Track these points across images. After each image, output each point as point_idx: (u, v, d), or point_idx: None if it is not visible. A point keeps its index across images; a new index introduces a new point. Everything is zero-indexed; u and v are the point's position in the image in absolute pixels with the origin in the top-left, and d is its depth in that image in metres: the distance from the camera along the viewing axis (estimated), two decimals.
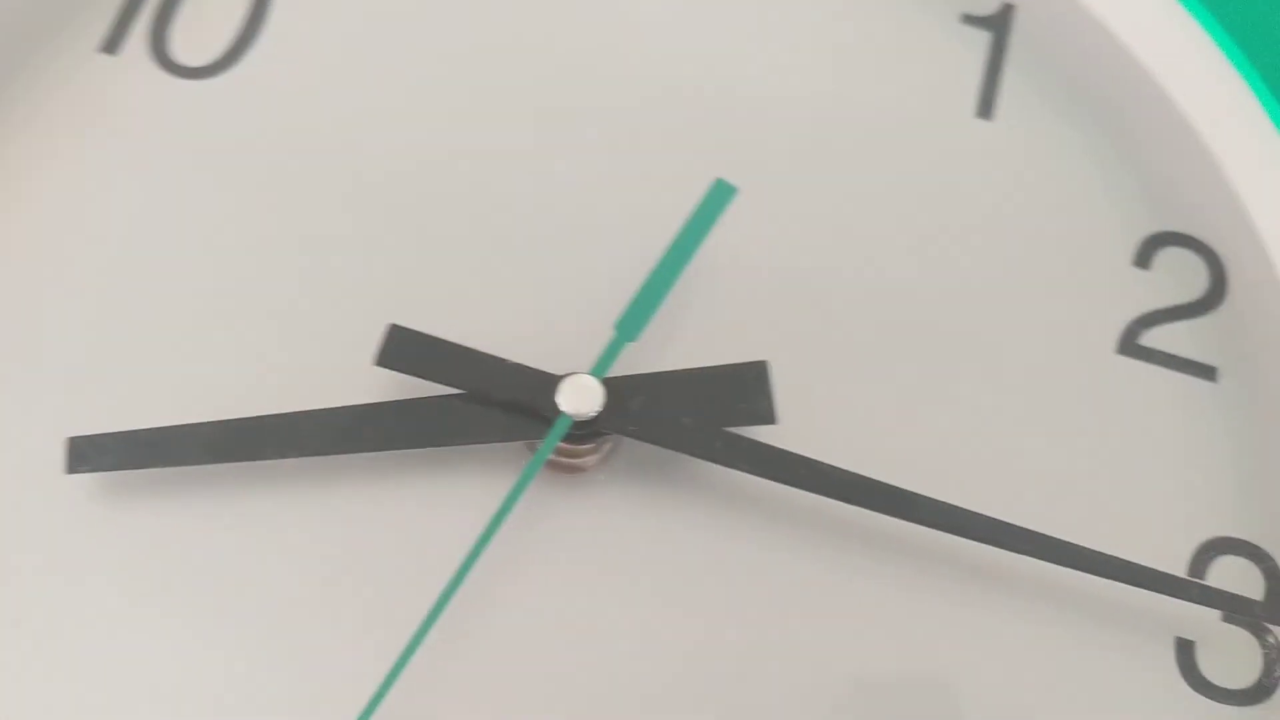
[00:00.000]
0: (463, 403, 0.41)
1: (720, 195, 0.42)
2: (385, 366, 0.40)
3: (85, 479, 0.41)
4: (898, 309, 0.45)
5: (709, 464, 0.41)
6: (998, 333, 0.45)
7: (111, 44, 0.48)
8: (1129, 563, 0.39)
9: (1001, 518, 0.40)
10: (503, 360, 0.41)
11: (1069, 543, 0.39)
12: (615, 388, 0.40)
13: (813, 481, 0.40)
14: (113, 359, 0.43)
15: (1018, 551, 0.40)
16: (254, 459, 0.41)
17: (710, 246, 0.43)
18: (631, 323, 0.41)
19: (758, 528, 0.42)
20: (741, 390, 0.41)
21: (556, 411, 0.40)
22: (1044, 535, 0.39)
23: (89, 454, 0.40)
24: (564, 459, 0.42)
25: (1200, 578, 0.41)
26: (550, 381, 0.40)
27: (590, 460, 0.42)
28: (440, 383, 0.41)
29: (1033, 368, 0.45)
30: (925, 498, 0.40)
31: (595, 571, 0.41)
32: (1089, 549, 0.39)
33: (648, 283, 0.41)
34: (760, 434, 0.41)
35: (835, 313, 0.45)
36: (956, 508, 0.40)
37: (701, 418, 0.41)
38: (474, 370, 0.41)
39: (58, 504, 0.41)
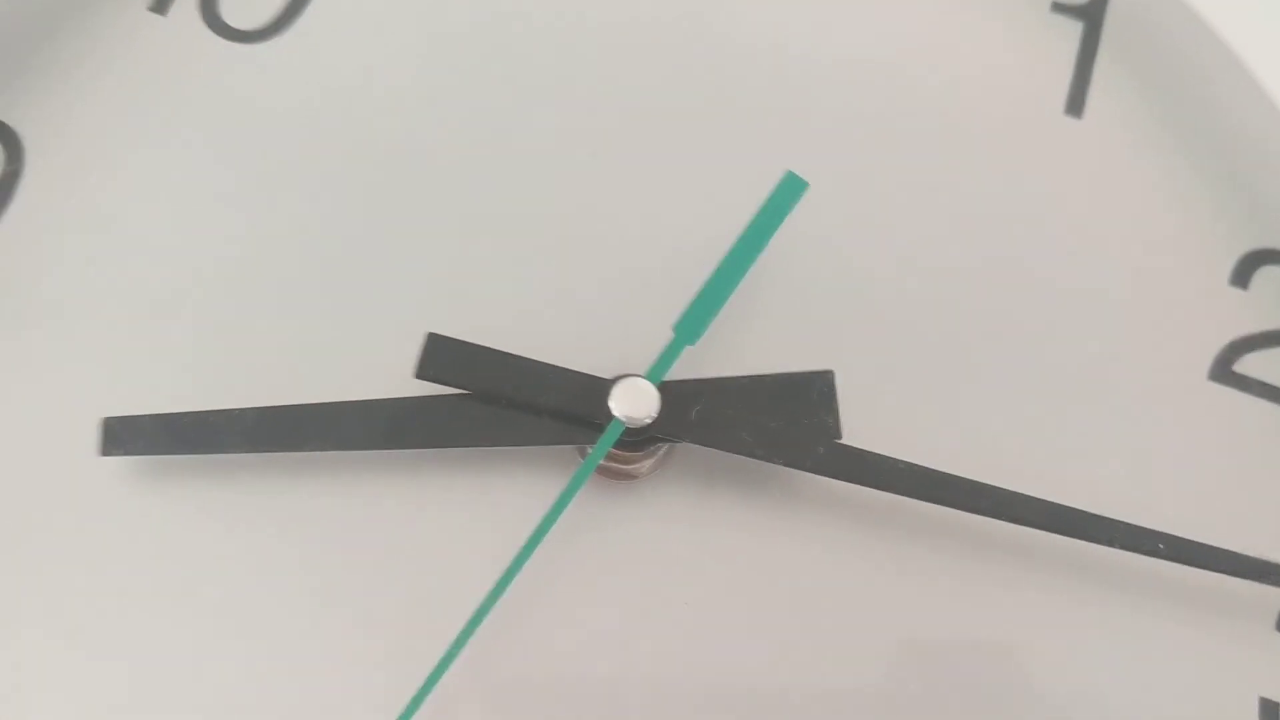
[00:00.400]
0: (511, 405, 0.39)
1: (790, 190, 0.39)
2: (425, 379, 0.38)
3: (116, 462, 0.39)
4: (971, 316, 0.43)
5: (765, 472, 0.39)
6: (1079, 349, 0.42)
7: (161, 4, 0.46)
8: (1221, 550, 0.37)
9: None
10: (550, 366, 0.39)
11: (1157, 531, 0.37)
12: (672, 392, 0.38)
13: (887, 479, 0.38)
14: (150, 336, 0.41)
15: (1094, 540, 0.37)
16: (295, 450, 0.39)
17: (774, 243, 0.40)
18: (692, 324, 0.38)
19: (818, 536, 0.40)
20: (806, 401, 0.39)
21: (609, 416, 0.38)
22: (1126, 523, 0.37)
23: (123, 436, 0.38)
24: (616, 465, 0.40)
25: None
26: (602, 386, 0.38)
27: (643, 467, 0.40)
28: (484, 394, 0.39)
29: (1116, 390, 0.42)
30: (1001, 490, 0.37)
31: (646, 581, 0.39)
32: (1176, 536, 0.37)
33: (710, 282, 0.39)
34: None
35: (905, 316, 0.43)
36: (1034, 499, 0.37)
37: (763, 430, 0.39)
38: (519, 378, 0.39)
39: (88, 486, 0.39)
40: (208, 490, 0.39)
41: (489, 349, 0.38)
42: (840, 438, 0.38)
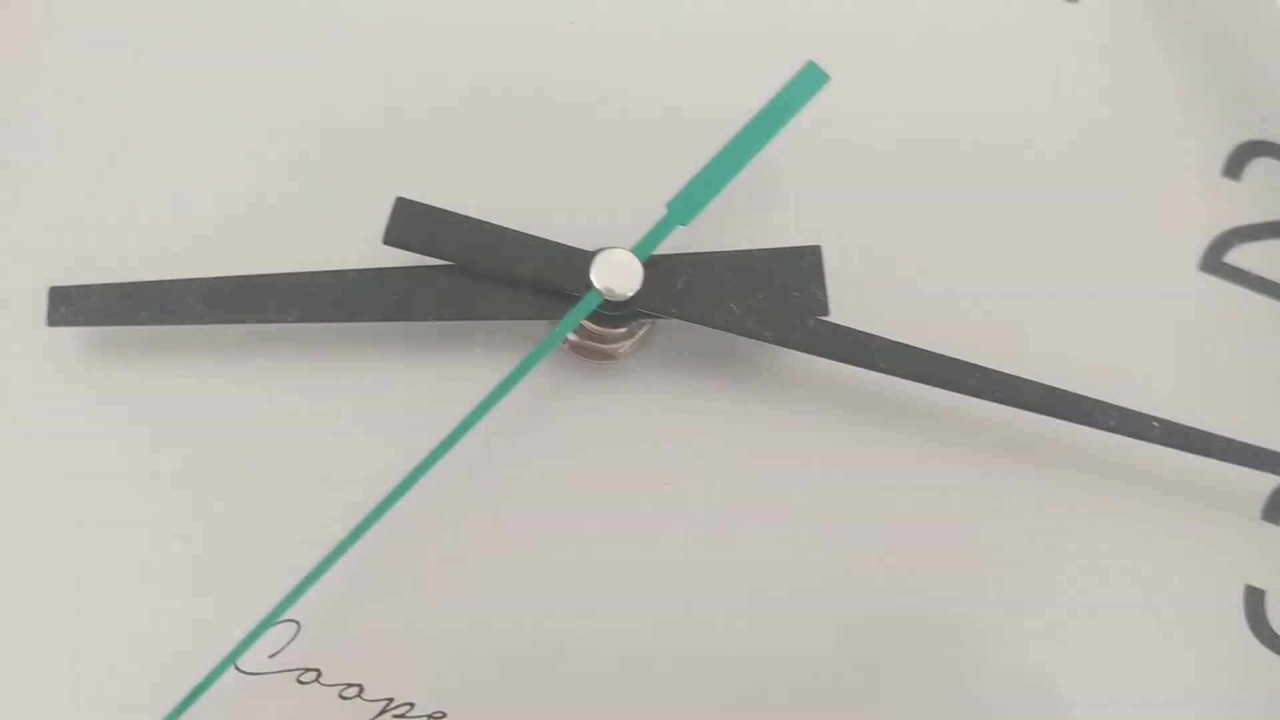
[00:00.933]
0: (486, 275, 0.37)
1: (809, 81, 0.37)
2: (394, 245, 0.36)
3: (70, 334, 0.37)
4: (964, 202, 0.41)
5: (750, 353, 0.38)
6: (1071, 235, 0.41)
7: None
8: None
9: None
10: (527, 235, 0.37)
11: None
12: (657, 267, 0.36)
13: (875, 358, 0.37)
14: (105, 202, 0.39)
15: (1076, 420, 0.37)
16: (254, 320, 0.36)
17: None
18: (687, 203, 0.36)
19: (804, 418, 0.39)
20: (794, 276, 0.38)
21: (587, 286, 0.36)
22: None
23: (73, 304, 0.36)
24: (594, 343, 0.38)
25: (1277, 522, 0.38)
26: (583, 257, 0.36)
27: (623, 346, 0.38)
28: (456, 262, 0.36)
29: (1107, 278, 0.41)
30: (993, 371, 0.36)
31: (626, 461, 0.38)
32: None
33: (712, 164, 0.37)
34: None
35: (898, 200, 0.41)
36: (1027, 380, 0.36)
37: (750, 303, 0.37)
38: (495, 247, 0.36)
39: (38, 360, 0.37)
40: (159, 366, 0.37)
41: (460, 215, 0.36)
42: (828, 314, 0.37)
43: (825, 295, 0.37)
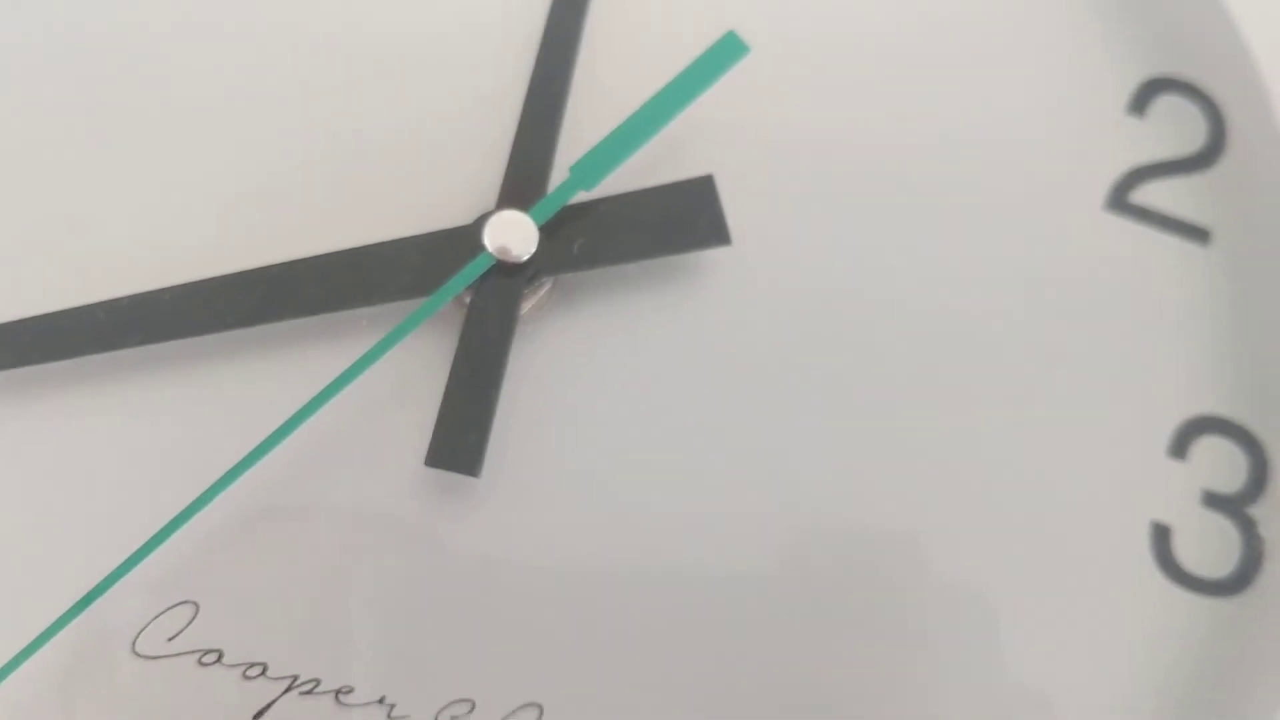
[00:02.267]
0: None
1: (728, 50, 0.36)
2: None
3: None
4: (858, 135, 0.40)
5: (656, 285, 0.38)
6: (972, 173, 0.41)
7: None
8: None
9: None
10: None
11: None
12: (553, 227, 0.36)
13: None
14: None
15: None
16: (119, 346, 0.35)
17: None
18: (591, 168, 0.36)
19: (727, 337, 0.38)
20: (690, 209, 0.37)
21: (480, 249, 0.35)
22: None
23: None
24: None
25: (1181, 458, 0.38)
26: (469, 232, 0.36)
27: (523, 308, 0.38)
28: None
29: (1010, 218, 0.40)
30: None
31: (539, 424, 0.37)
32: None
33: (620, 129, 0.36)
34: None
35: (791, 135, 0.40)
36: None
37: (650, 234, 0.37)
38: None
39: None
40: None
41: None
42: (729, 242, 0.37)
43: (724, 223, 0.37)
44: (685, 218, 0.37)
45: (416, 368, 0.37)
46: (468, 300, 0.36)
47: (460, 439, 0.35)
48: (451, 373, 0.35)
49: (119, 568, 0.32)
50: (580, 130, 0.38)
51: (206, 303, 0.34)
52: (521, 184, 0.37)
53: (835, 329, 0.39)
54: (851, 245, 0.39)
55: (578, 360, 0.38)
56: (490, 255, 0.35)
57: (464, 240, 0.36)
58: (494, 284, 0.36)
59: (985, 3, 0.42)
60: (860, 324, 0.39)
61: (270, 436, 0.33)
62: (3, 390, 0.36)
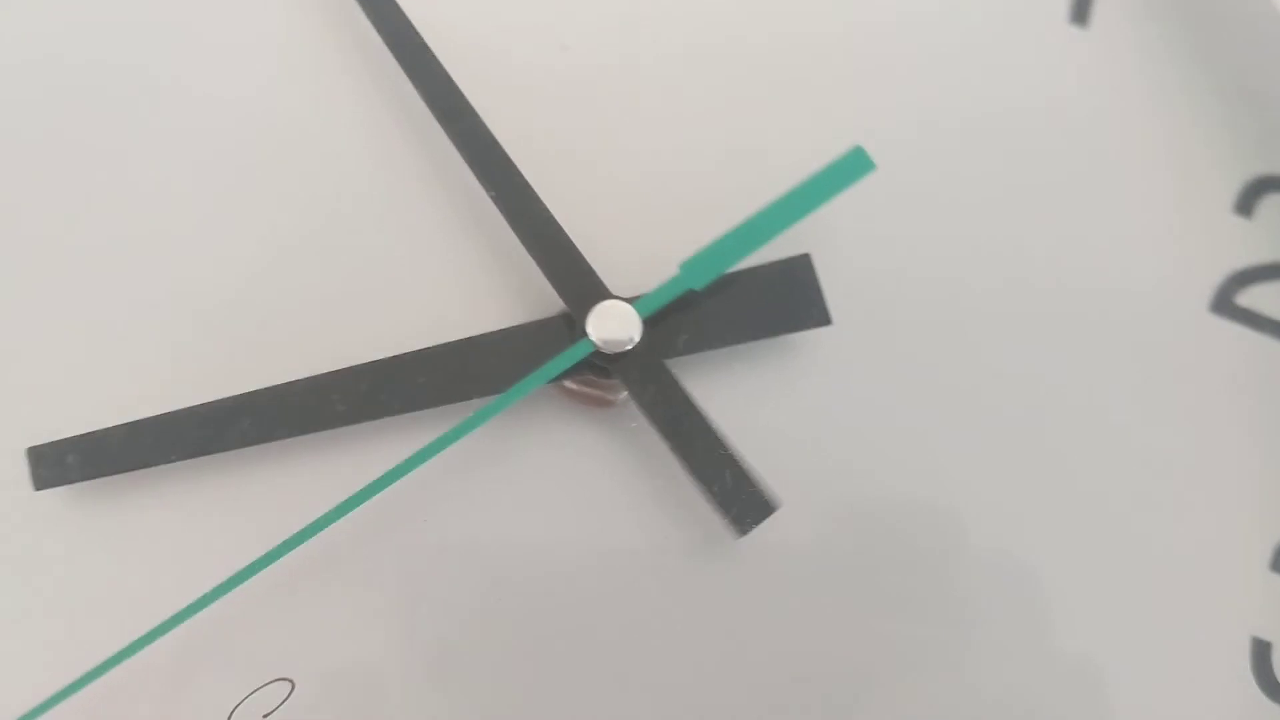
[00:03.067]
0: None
1: (853, 165, 0.36)
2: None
3: None
4: (969, 238, 0.40)
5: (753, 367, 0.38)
6: (1075, 275, 0.40)
7: None
8: None
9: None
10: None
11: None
12: (656, 322, 0.36)
13: None
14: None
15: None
16: (239, 446, 0.35)
17: None
18: (702, 267, 0.35)
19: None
20: (789, 289, 0.37)
21: (582, 334, 0.35)
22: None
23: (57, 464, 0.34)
24: (588, 389, 0.38)
25: None
26: (577, 314, 0.36)
27: (622, 394, 0.38)
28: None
29: (1114, 318, 0.40)
30: None
31: (639, 514, 0.37)
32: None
33: (736, 231, 0.35)
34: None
35: (907, 230, 0.40)
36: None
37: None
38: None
39: None
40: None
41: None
42: (830, 322, 0.37)
43: (824, 303, 0.37)
44: (786, 299, 0.37)
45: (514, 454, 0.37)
46: (568, 385, 0.37)
47: (743, 495, 0.35)
48: (680, 454, 0.35)
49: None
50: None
51: (321, 398, 0.35)
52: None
53: (933, 422, 0.38)
54: (950, 338, 0.39)
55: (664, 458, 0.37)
56: (590, 343, 0.35)
57: (564, 328, 0.36)
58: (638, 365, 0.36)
59: (1094, 99, 0.42)
60: (960, 426, 0.38)
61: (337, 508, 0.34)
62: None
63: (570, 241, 0.36)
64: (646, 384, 0.36)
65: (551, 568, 0.37)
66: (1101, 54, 0.43)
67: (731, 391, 0.38)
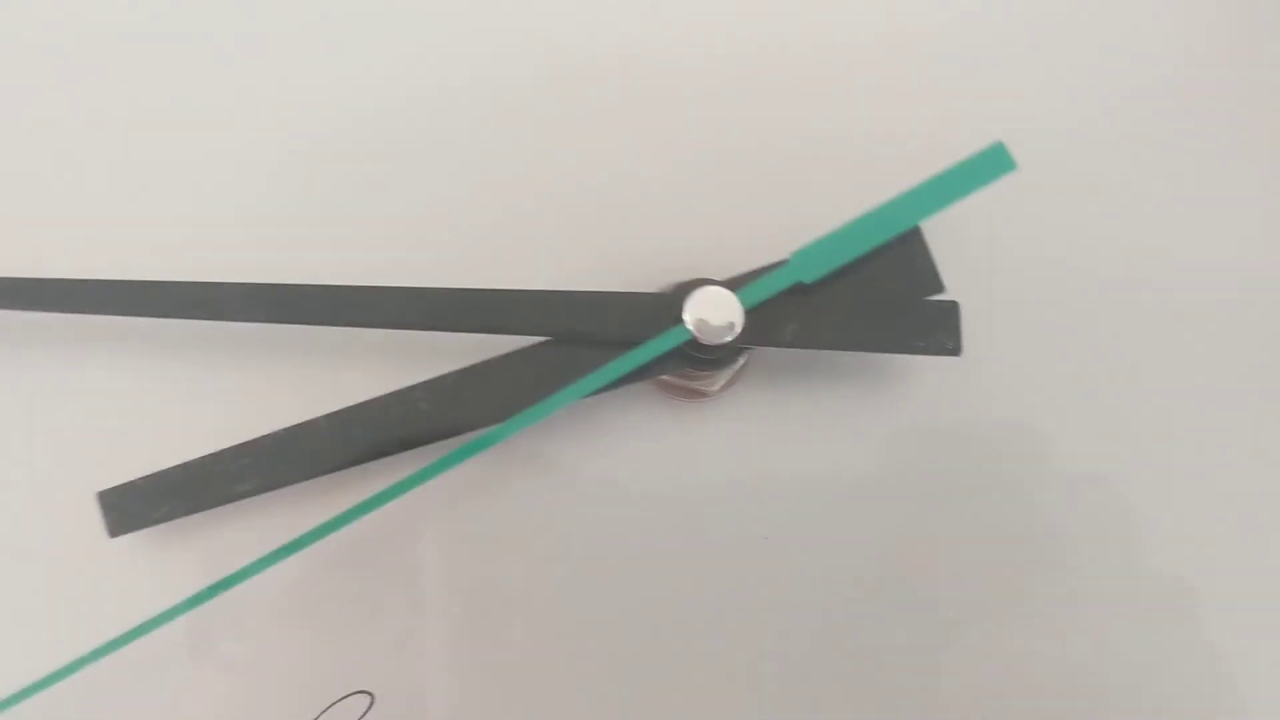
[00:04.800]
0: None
1: (993, 163, 0.32)
2: None
3: None
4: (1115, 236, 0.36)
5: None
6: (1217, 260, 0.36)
7: None
8: None
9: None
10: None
11: None
12: (760, 310, 0.32)
13: None
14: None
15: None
16: (317, 474, 0.32)
17: None
18: (815, 260, 0.32)
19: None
20: (898, 264, 0.33)
21: (677, 320, 0.32)
22: None
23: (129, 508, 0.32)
24: (682, 381, 0.35)
25: None
26: (674, 296, 0.33)
27: (716, 384, 0.35)
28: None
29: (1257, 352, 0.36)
30: None
31: (723, 513, 0.35)
32: None
33: (855, 223, 0.32)
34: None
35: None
36: None
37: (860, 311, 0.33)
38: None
39: None
40: None
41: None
42: (943, 289, 0.33)
43: (958, 335, 0.33)
44: (916, 323, 0.33)
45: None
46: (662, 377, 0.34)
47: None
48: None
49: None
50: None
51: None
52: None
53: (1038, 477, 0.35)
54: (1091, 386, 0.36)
55: (756, 455, 0.35)
56: (686, 330, 0.32)
57: (660, 309, 0.33)
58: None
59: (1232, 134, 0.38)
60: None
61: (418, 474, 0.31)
62: None
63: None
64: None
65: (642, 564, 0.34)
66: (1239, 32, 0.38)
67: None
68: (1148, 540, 0.35)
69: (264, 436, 0.32)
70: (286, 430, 0.32)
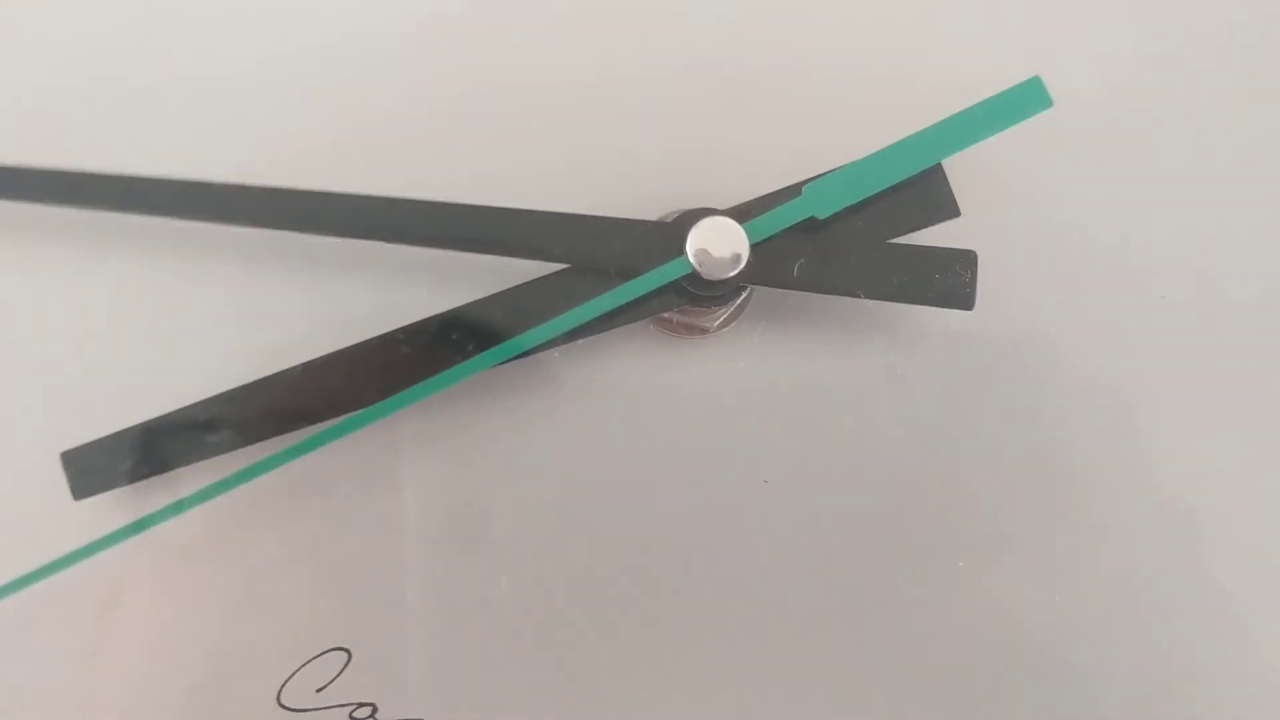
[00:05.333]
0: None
1: (1028, 97, 0.30)
2: None
3: None
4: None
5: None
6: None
7: None
8: None
9: None
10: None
11: None
12: (767, 245, 0.30)
13: None
14: None
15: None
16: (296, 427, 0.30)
17: None
18: (828, 193, 0.30)
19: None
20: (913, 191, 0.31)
21: (679, 252, 0.30)
22: None
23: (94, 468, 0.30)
24: (681, 317, 0.33)
25: None
26: (676, 227, 0.30)
27: (716, 319, 0.33)
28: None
29: None
30: None
31: (715, 464, 0.33)
32: None
33: (875, 157, 0.30)
34: None
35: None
36: None
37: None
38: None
39: None
40: None
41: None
42: (959, 214, 0.31)
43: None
44: (931, 272, 0.31)
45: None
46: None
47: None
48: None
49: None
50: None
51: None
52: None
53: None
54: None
55: (759, 395, 0.33)
56: (688, 262, 0.30)
57: (659, 239, 0.31)
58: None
59: None
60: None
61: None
62: None
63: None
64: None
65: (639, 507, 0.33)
66: None
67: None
68: (1155, 457, 0.34)
69: (239, 387, 0.30)
70: (262, 380, 0.30)
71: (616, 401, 0.33)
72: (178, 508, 0.30)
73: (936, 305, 0.31)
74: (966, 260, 0.31)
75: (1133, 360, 0.34)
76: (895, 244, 0.31)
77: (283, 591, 0.31)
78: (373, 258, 0.32)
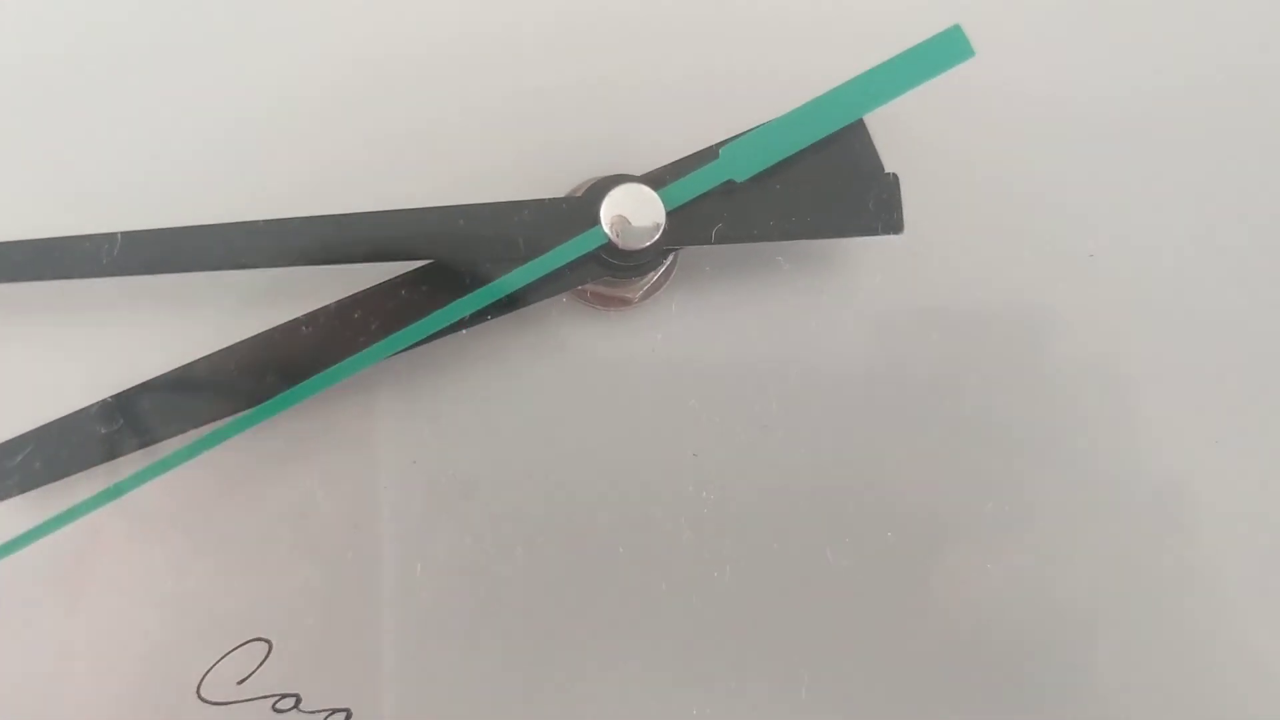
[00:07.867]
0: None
1: (949, 48, 0.29)
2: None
3: None
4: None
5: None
6: None
7: None
8: None
9: None
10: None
11: None
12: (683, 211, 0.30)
13: None
14: None
15: None
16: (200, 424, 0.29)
17: None
18: (745, 156, 0.29)
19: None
20: (840, 159, 0.30)
21: (593, 222, 0.29)
22: None
23: None
24: (603, 289, 0.32)
25: None
26: (588, 199, 0.30)
27: (638, 291, 0.32)
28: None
29: None
30: None
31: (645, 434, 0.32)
32: None
33: (793, 115, 0.29)
34: None
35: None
36: None
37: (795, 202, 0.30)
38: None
39: None
40: None
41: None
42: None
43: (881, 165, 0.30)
44: (852, 201, 0.31)
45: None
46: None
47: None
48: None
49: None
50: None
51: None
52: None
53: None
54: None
55: (687, 366, 0.32)
56: (603, 233, 0.29)
57: (570, 213, 0.30)
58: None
59: None
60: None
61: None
62: None
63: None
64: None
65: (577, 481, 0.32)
66: None
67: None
68: (1087, 424, 0.33)
69: (134, 388, 0.29)
70: (160, 378, 0.29)
71: (539, 377, 0.32)
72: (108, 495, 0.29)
73: (868, 234, 0.30)
74: (887, 184, 0.30)
75: (1063, 325, 0.33)
76: (813, 182, 0.30)
77: (199, 582, 0.30)
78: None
